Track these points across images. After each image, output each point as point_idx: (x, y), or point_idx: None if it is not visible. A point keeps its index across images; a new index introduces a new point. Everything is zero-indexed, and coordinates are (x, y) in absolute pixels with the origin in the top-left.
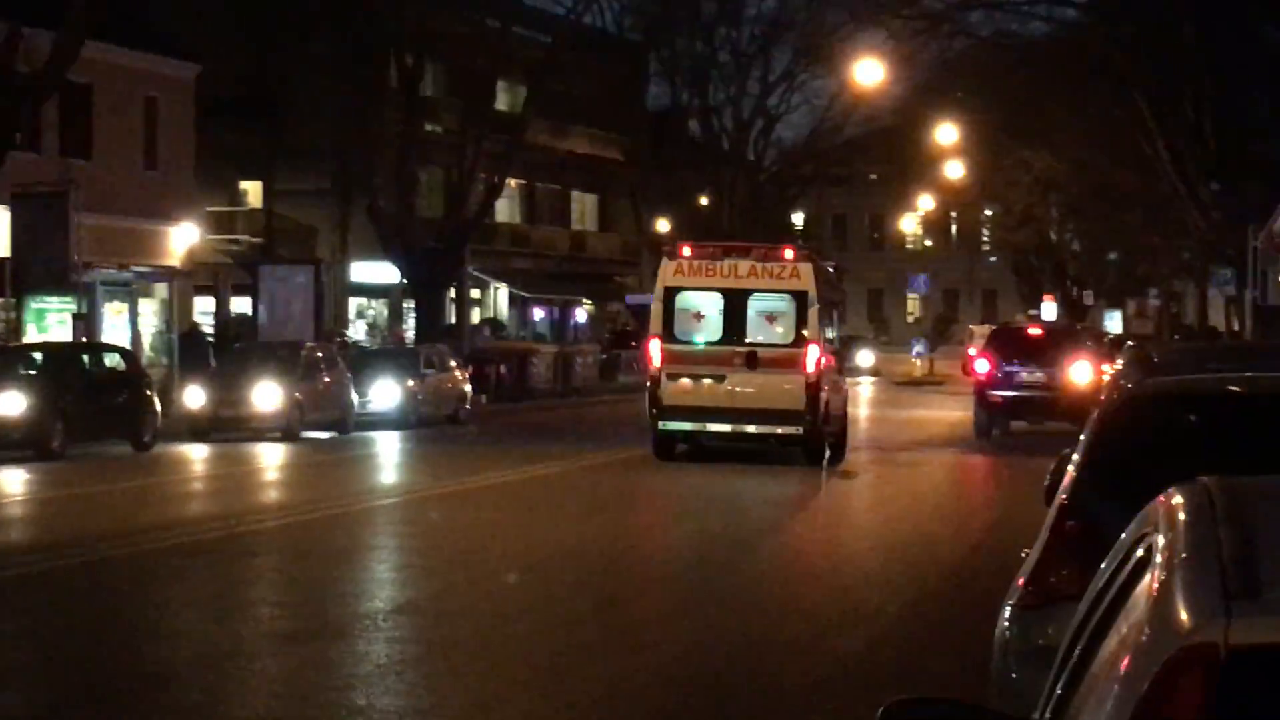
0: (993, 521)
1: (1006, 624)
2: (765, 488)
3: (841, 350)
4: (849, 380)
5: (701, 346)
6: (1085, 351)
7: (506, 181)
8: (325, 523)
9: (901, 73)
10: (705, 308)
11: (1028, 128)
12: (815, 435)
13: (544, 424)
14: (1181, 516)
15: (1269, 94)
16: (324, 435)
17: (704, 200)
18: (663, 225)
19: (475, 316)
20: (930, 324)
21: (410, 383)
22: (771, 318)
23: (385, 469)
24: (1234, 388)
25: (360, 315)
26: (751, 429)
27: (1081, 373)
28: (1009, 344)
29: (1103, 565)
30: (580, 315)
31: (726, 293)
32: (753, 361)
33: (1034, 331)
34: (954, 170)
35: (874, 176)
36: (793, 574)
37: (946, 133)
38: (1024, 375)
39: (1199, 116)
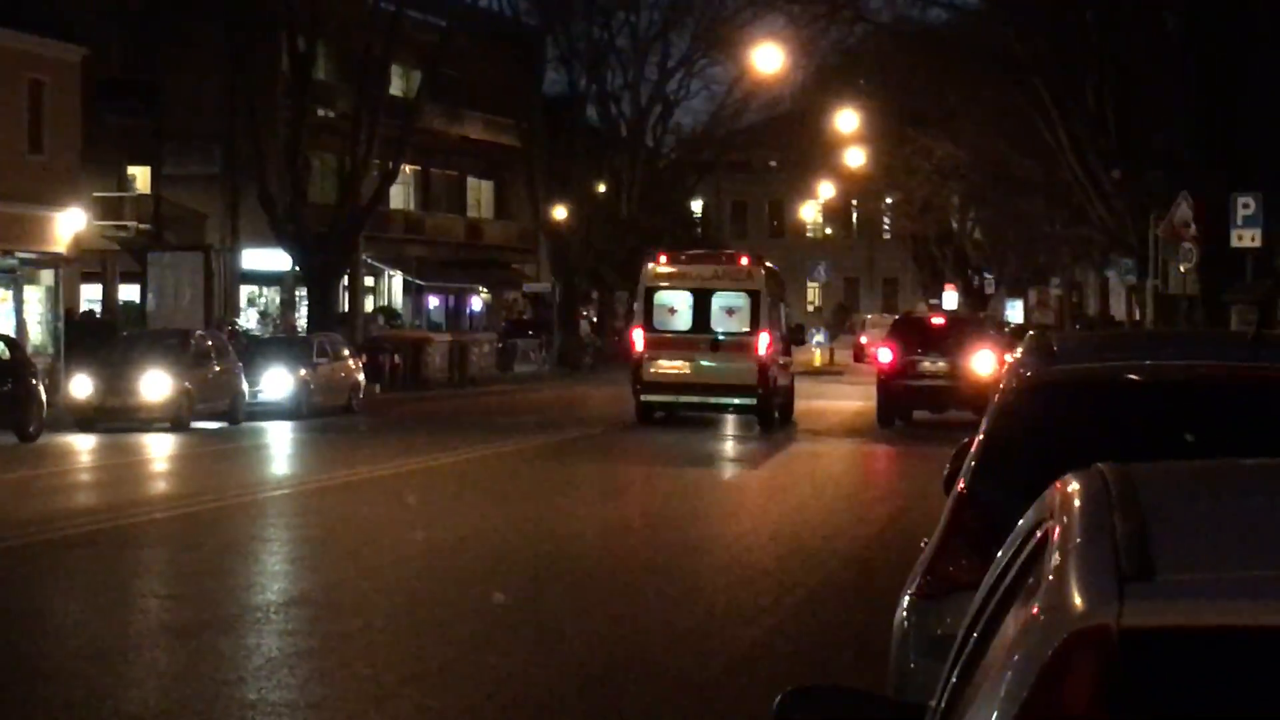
0: (893, 511)
1: (905, 614)
2: (666, 477)
3: (790, 337)
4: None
5: (675, 334)
6: (987, 341)
7: (401, 167)
8: (215, 514)
9: (801, 59)
10: (678, 303)
11: (928, 115)
12: (765, 405)
13: (439, 414)
14: (1076, 502)
15: (1171, 82)
16: (214, 425)
17: (602, 187)
18: (560, 212)
19: (369, 305)
20: (830, 313)
21: (302, 372)
22: (731, 311)
23: (277, 459)
24: (1133, 376)
25: (251, 303)
26: (714, 400)
27: (983, 362)
28: (912, 333)
29: (1000, 553)
30: (476, 304)
31: (695, 291)
32: (715, 346)
33: (937, 321)
34: (854, 158)
35: (774, 164)
36: (690, 566)
37: (847, 120)
38: (926, 364)
39: (1100, 104)
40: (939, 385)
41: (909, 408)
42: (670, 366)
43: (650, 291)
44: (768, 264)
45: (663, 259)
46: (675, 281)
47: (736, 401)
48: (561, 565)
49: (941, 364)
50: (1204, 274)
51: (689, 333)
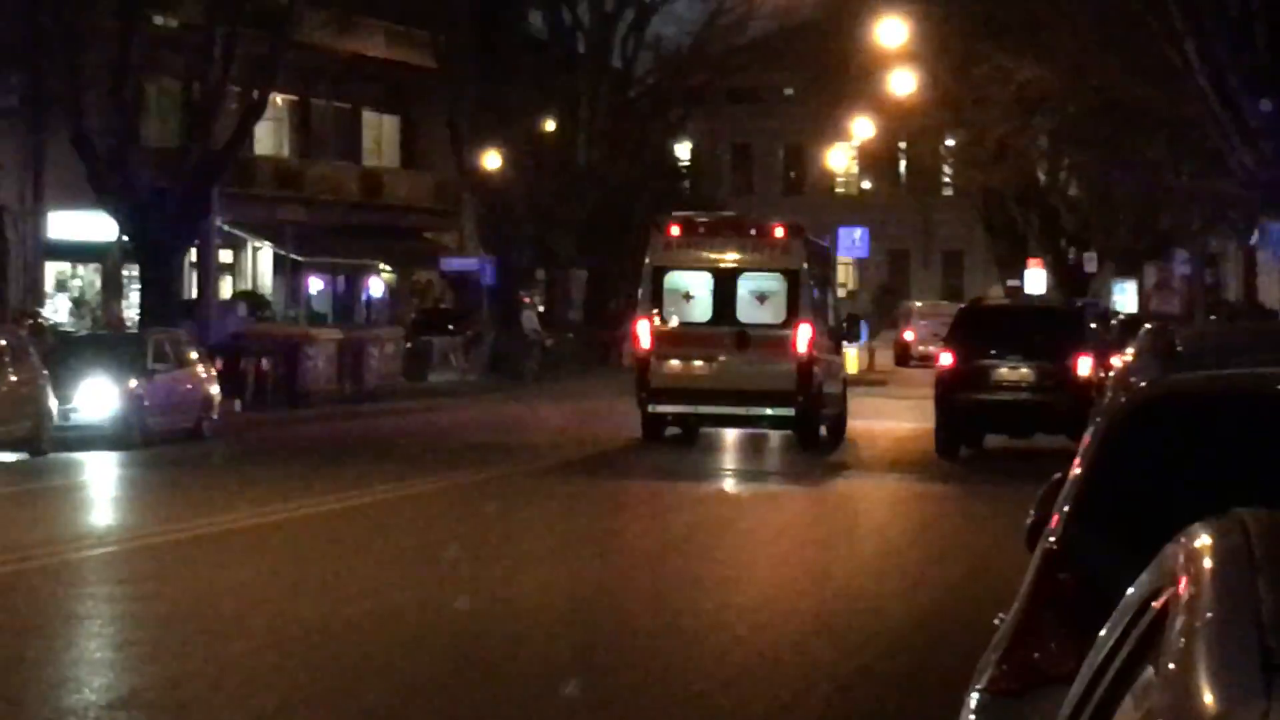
0: (957, 575)
1: (974, 716)
2: (648, 527)
3: (840, 330)
4: None
5: (692, 327)
6: (1088, 339)
7: (270, 97)
8: (13, 581)
9: None
10: (695, 288)
11: (1006, 23)
12: (808, 417)
13: (324, 441)
14: (1208, 563)
15: None
16: (10, 457)
17: (551, 125)
18: (492, 160)
19: (227, 289)
20: (871, 299)
21: (133, 383)
22: (763, 298)
23: (98, 504)
24: None
25: (62, 287)
26: (742, 411)
27: (1084, 368)
28: (983, 328)
29: (1103, 632)
30: (376, 287)
31: (716, 272)
32: (743, 342)
33: (1017, 311)
34: (903, 83)
35: (790, 92)
36: (676, 652)
37: (892, 31)
38: (1004, 371)
39: (1246, 7)
40: (1021, 400)
41: (979, 431)
42: (685, 369)
43: (659, 272)
44: (809, 235)
45: (674, 229)
46: (692, 259)
47: (770, 413)
48: (497, 651)
49: (1025, 370)
50: None
51: (709, 325)
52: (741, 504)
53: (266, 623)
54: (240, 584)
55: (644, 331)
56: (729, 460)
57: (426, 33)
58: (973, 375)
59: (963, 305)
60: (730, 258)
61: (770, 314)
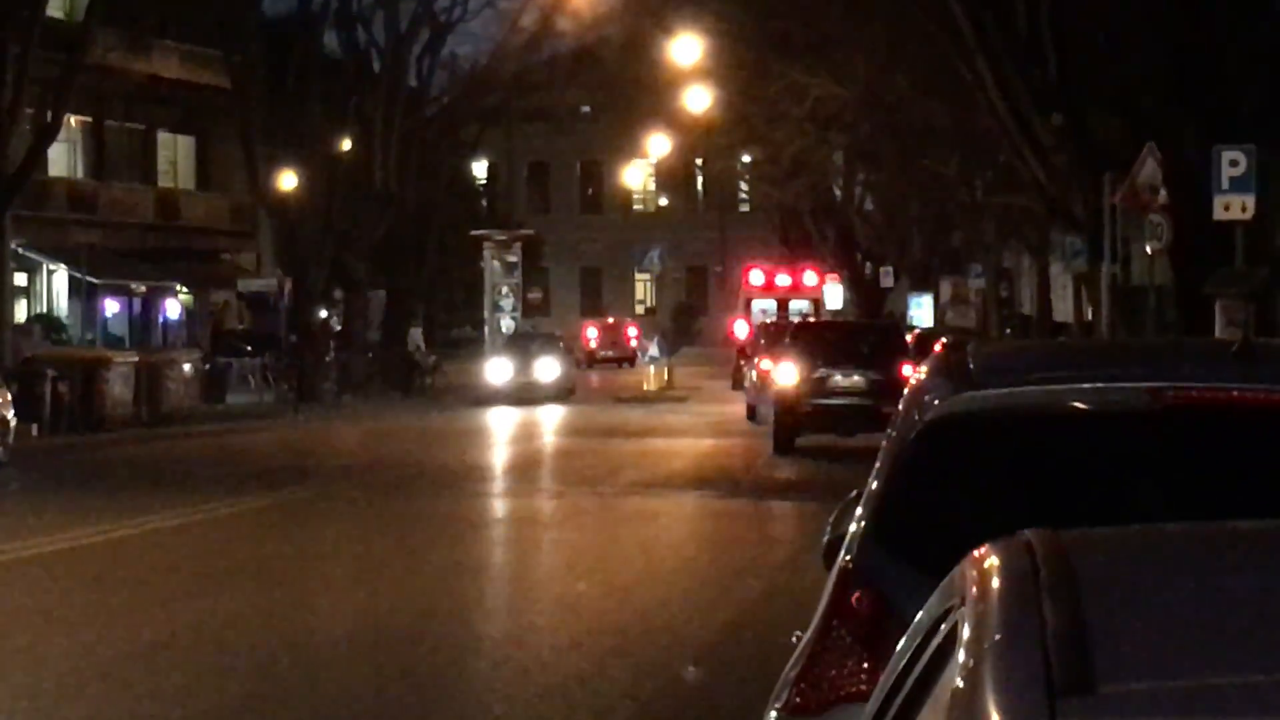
0: (756, 593)
1: None
2: (436, 547)
3: None
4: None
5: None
6: (909, 349)
7: (63, 119)
8: None
9: None
10: (766, 307)
11: (800, 41)
12: None
13: (123, 465)
14: (995, 584)
15: None
16: None
17: (347, 145)
18: (288, 180)
19: (21, 312)
20: (669, 316)
21: None
22: (800, 313)
23: None
24: (1079, 404)
25: None
26: None
27: (908, 374)
28: (816, 341)
29: (898, 650)
30: (173, 308)
31: (777, 299)
32: None
33: (844, 326)
34: (698, 101)
35: (586, 109)
36: (475, 675)
37: (686, 48)
38: (838, 379)
39: (1033, 26)
40: (853, 404)
41: (813, 432)
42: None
43: (748, 301)
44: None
45: (755, 273)
46: (764, 292)
47: None
48: (292, 677)
49: (857, 378)
50: (1178, 257)
51: None
52: (539, 521)
53: (63, 650)
54: (38, 611)
55: (740, 328)
56: (526, 477)
57: (221, 53)
58: (809, 383)
59: (796, 321)
60: (782, 290)
61: None
